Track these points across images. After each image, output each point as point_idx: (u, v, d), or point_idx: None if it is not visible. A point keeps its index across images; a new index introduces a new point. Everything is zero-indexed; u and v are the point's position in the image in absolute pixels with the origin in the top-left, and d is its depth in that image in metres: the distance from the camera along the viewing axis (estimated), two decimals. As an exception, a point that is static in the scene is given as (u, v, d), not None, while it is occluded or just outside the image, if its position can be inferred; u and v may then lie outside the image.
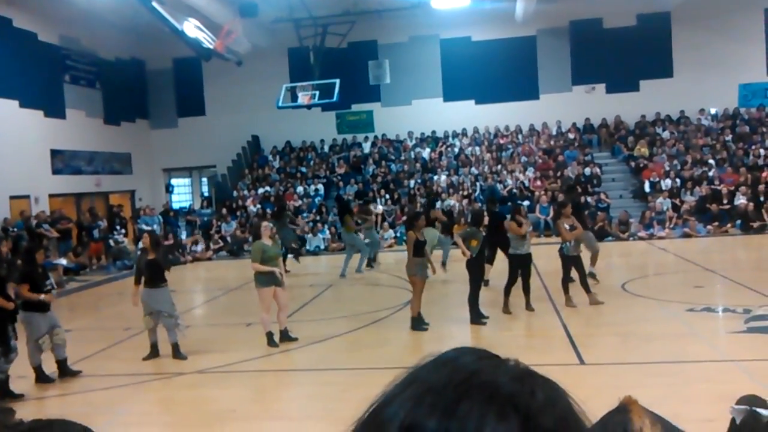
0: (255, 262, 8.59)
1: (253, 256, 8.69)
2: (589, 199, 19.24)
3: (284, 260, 15.60)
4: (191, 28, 14.23)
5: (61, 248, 17.45)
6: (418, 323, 9.16)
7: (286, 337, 8.86)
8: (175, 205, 24.58)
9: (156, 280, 8.34)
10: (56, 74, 20.90)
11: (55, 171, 20.38)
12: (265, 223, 9.15)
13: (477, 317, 9.30)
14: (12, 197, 18.10)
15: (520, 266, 9.71)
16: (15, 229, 16.95)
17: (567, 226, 9.89)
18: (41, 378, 7.69)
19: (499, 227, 10.79)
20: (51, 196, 19.90)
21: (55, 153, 20.41)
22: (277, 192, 22.99)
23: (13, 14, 18.84)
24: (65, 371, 7.76)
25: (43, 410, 6.86)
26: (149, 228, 19.97)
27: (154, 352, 8.42)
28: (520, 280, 9.80)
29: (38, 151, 19.58)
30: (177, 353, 8.36)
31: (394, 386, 0.64)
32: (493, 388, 0.59)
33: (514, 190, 20.99)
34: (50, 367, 7.81)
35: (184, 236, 21.46)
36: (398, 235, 19.33)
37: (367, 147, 24.91)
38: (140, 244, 8.53)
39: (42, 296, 7.63)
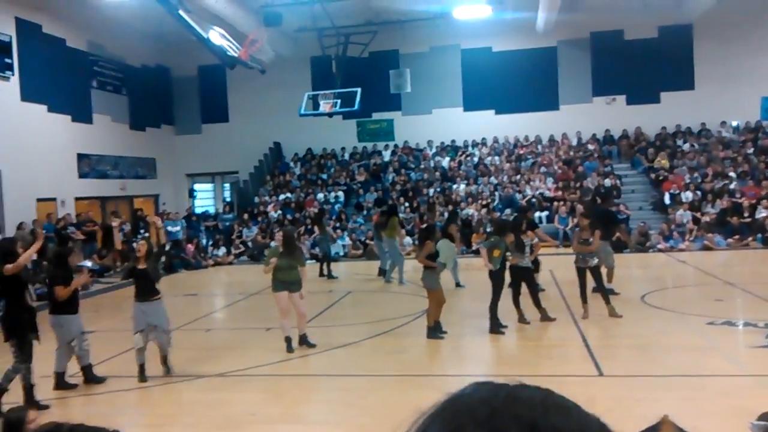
0: (265, 265, 8.85)
1: (266, 260, 8.90)
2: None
3: (329, 265, 15.86)
4: (216, 37, 14.46)
5: (86, 251, 17.79)
6: (434, 332, 9.21)
7: (305, 342, 8.96)
8: (198, 210, 24.88)
9: (148, 293, 7.84)
10: (84, 80, 21.29)
11: (82, 175, 20.75)
12: (279, 232, 9.24)
13: (496, 327, 9.35)
14: (39, 200, 18.46)
15: (521, 279, 9.73)
16: (44, 232, 17.28)
17: (583, 239, 9.93)
18: (60, 384, 7.60)
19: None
20: (77, 199, 20.26)
21: (81, 157, 20.80)
22: (297, 199, 23.21)
23: (42, 20, 19.21)
24: (90, 377, 7.75)
25: (66, 411, 6.95)
26: (172, 229, 20.26)
27: (143, 376, 7.77)
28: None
29: (65, 155, 19.96)
30: (165, 364, 7.99)
31: (428, 417, 0.65)
32: (529, 418, 0.62)
33: (533, 200, 20.98)
34: (70, 370, 7.81)
35: (204, 241, 21.74)
36: (416, 242, 19.35)
37: (387, 155, 25.04)
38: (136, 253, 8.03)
39: (81, 279, 7.68)
